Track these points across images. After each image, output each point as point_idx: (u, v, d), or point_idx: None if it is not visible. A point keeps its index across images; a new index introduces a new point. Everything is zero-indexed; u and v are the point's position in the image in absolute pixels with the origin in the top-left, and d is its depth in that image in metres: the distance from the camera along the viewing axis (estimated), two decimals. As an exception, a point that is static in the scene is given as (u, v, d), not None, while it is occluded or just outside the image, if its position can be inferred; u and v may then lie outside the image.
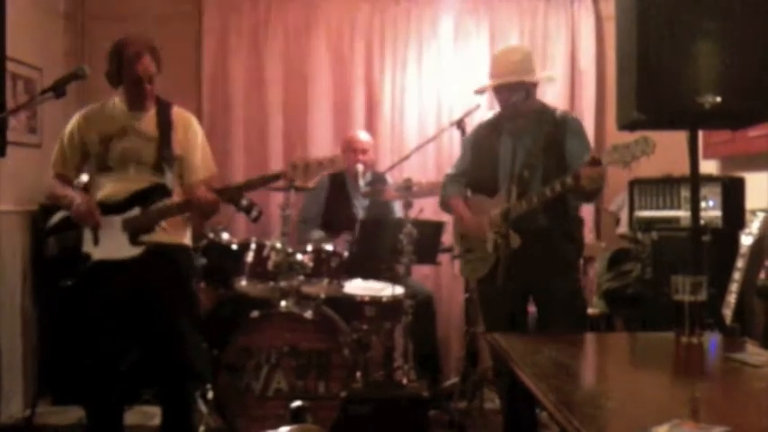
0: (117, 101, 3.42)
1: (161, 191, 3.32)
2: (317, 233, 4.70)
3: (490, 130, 3.62)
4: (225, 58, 5.31)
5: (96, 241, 3.28)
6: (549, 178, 3.30)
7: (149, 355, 3.40)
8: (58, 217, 3.45)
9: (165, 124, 3.37)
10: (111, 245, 3.27)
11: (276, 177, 3.54)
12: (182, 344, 3.35)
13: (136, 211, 3.29)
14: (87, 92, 3.50)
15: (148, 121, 3.37)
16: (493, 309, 3.59)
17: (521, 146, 3.51)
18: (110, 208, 3.30)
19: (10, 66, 4.40)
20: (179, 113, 3.46)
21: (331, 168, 3.61)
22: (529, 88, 3.51)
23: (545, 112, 3.59)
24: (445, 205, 3.84)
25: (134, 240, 3.27)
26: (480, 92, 3.84)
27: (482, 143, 3.66)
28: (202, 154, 3.51)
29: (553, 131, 3.47)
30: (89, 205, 3.27)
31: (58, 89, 3.08)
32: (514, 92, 3.48)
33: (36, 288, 4.57)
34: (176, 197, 3.37)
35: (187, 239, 3.49)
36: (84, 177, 3.53)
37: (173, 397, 3.40)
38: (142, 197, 3.30)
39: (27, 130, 4.67)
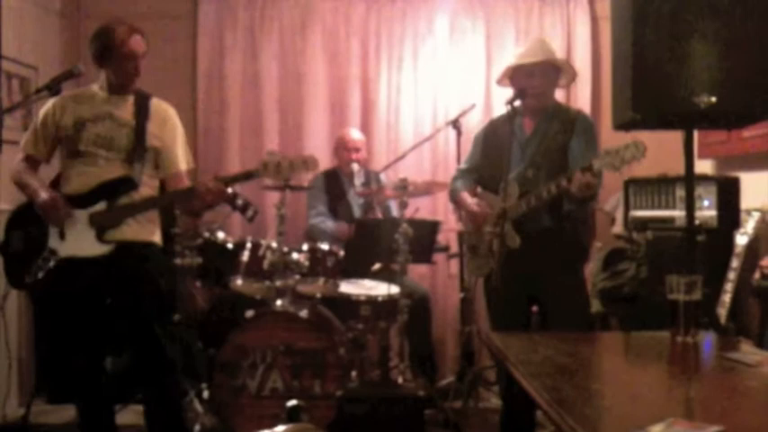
0: (96, 87, 3.33)
1: (127, 184, 3.24)
2: (341, 224, 4.73)
3: (503, 127, 3.58)
4: (220, 56, 5.30)
5: (62, 236, 3.21)
6: (554, 178, 3.30)
7: (131, 353, 3.36)
8: (17, 208, 3.36)
9: (141, 113, 3.30)
10: (79, 241, 3.19)
11: (249, 175, 3.40)
12: (154, 343, 3.27)
13: (102, 206, 3.21)
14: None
15: (126, 108, 3.30)
16: (496, 307, 3.60)
17: (530, 145, 3.52)
18: (75, 201, 3.21)
19: (5, 64, 4.39)
20: (157, 105, 3.39)
21: (304, 169, 3.52)
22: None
23: (559, 111, 3.60)
24: (454, 200, 3.87)
25: (101, 237, 3.19)
26: (503, 81, 3.81)
27: (493, 140, 3.66)
28: (182, 146, 3.43)
29: (561, 131, 3.47)
30: (57, 202, 3.18)
31: (53, 88, 3.08)
32: (540, 76, 3.53)
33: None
34: (146, 191, 3.30)
35: (156, 237, 3.39)
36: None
37: (153, 396, 3.33)
38: (107, 190, 3.22)
39: (22, 129, 4.63)
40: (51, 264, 3.20)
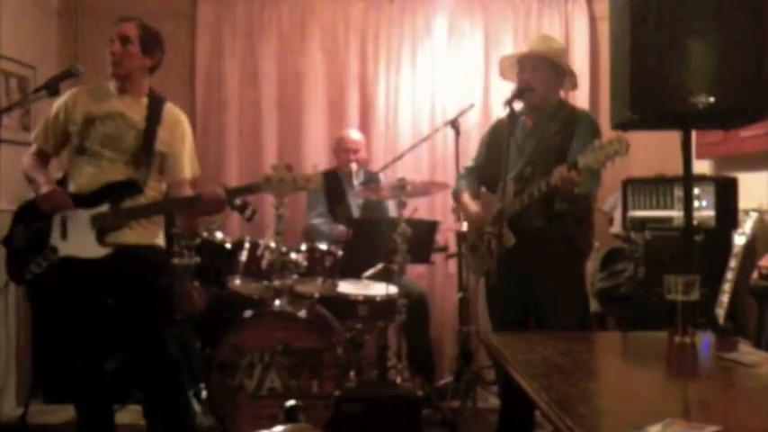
0: (110, 84, 3.33)
1: (132, 187, 3.22)
2: (339, 228, 4.72)
3: (506, 126, 3.55)
4: (219, 57, 5.30)
5: (64, 235, 3.20)
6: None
7: (130, 354, 3.36)
8: (24, 203, 3.38)
9: (153, 117, 3.28)
10: (79, 242, 3.18)
11: (252, 189, 3.45)
12: (155, 343, 3.27)
13: (105, 208, 3.19)
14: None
15: (138, 110, 3.29)
16: (494, 307, 3.60)
17: (527, 144, 3.52)
18: (80, 200, 3.19)
19: (3, 64, 4.39)
20: (170, 110, 3.38)
21: (307, 187, 3.57)
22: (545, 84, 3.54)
23: (561, 110, 3.59)
24: (456, 198, 3.87)
25: (101, 239, 3.17)
26: (505, 74, 3.79)
27: (496, 140, 3.66)
28: (190, 154, 3.42)
29: (562, 130, 3.47)
30: (55, 194, 3.17)
31: (51, 87, 3.07)
32: (538, 71, 3.51)
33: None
34: (151, 194, 3.28)
35: (159, 239, 3.38)
36: (59, 174, 3.44)
37: (154, 397, 3.33)
38: (112, 192, 3.20)
39: (20, 129, 4.65)
40: (51, 261, 3.20)
